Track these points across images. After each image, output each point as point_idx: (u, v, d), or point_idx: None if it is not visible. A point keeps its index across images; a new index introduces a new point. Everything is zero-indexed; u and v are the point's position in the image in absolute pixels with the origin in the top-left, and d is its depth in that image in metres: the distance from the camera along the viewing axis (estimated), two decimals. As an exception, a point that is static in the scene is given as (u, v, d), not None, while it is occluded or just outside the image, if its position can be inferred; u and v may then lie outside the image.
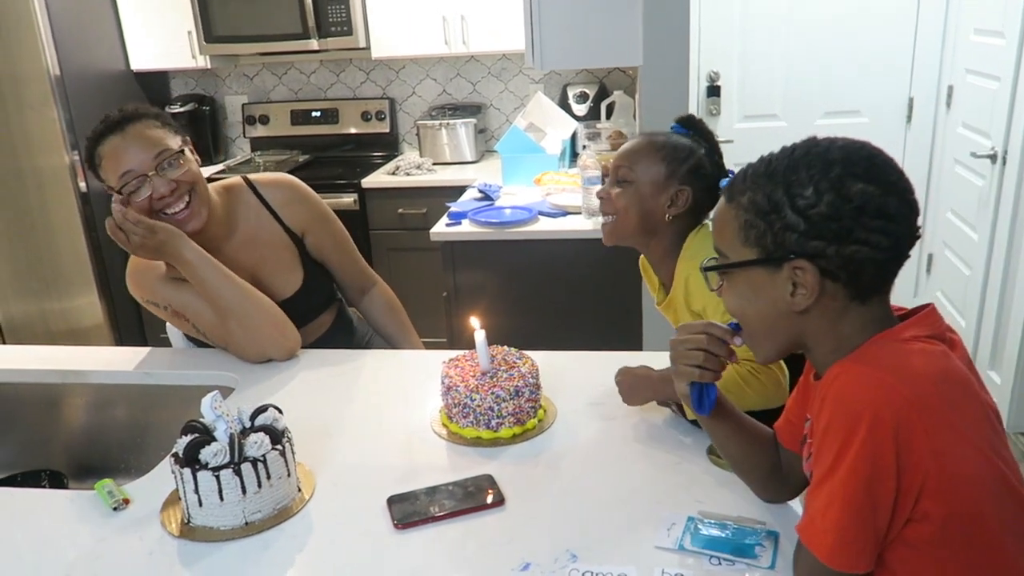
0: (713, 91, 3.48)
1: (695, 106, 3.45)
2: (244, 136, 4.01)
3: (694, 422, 1.22)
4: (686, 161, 1.40)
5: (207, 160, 3.84)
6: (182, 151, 1.54)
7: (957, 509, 0.83)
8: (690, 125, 1.45)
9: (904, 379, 0.82)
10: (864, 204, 0.85)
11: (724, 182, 1.42)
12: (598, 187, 1.48)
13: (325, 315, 1.80)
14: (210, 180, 1.69)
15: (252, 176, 1.75)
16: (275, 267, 1.70)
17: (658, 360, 1.47)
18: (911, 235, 0.88)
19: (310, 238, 1.75)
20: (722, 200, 0.96)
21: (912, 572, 0.86)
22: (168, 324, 1.81)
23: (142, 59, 3.66)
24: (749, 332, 0.97)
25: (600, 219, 1.50)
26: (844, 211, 0.85)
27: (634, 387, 1.34)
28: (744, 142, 3.50)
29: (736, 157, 3.98)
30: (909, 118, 3.48)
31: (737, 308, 0.96)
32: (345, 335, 1.85)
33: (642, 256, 1.56)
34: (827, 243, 0.86)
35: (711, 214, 1.36)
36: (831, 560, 0.83)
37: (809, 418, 0.99)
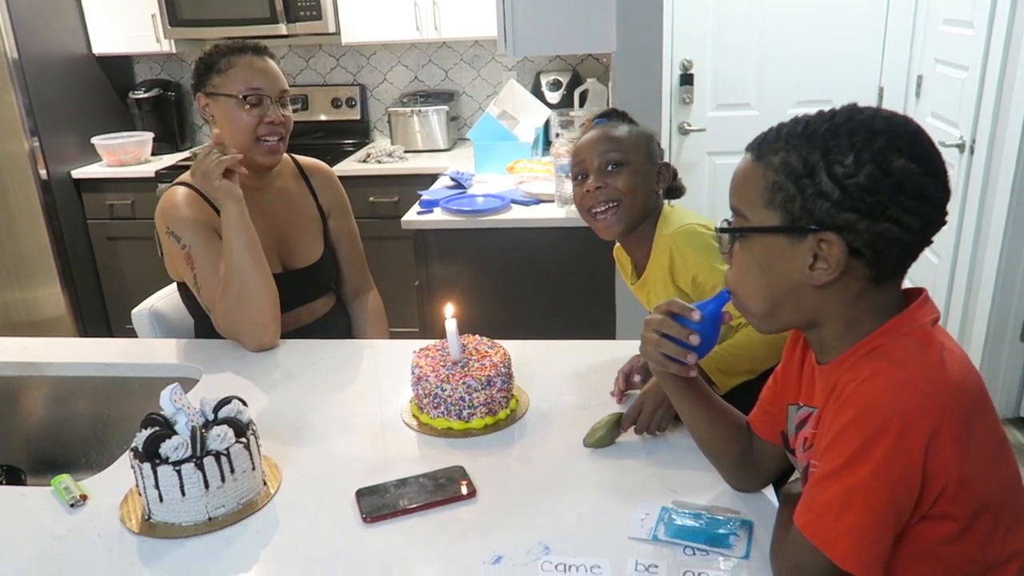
0: (686, 79, 3.47)
1: (668, 94, 3.44)
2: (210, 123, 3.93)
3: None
4: (654, 139, 1.46)
5: (173, 147, 3.76)
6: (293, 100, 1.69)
7: (972, 512, 0.83)
8: (617, 117, 1.48)
9: (938, 386, 0.81)
10: (903, 181, 0.81)
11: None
12: (588, 182, 1.42)
13: (330, 295, 1.90)
14: (176, 168, 1.70)
15: (294, 155, 1.89)
16: (303, 232, 1.82)
17: (630, 349, 1.47)
18: (940, 220, 0.85)
19: (333, 221, 1.89)
20: (747, 157, 0.90)
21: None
22: (134, 312, 1.82)
23: (104, 43, 3.56)
24: (752, 302, 0.92)
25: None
26: (882, 185, 0.81)
27: (659, 405, 1.23)
28: (717, 130, 3.50)
29: (709, 145, 4.00)
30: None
31: (744, 275, 0.91)
32: (345, 318, 1.94)
33: (617, 245, 1.55)
34: (859, 217, 0.82)
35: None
36: (846, 563, 0.81)
37: (801, 404, 0.98)
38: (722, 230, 0.93)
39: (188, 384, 1.47)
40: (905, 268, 0.88)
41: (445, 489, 1.13)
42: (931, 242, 0.86)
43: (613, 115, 1.48)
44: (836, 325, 0.89)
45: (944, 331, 0.90)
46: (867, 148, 0.82)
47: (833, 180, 0.82)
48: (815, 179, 0.83)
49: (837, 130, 0.84)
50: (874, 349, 0.86)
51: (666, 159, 1.47)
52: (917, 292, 0.90)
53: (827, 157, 0.83)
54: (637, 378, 1.35)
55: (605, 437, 1.22)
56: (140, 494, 1.08)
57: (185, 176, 1.71)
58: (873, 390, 0.81)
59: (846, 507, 0.81)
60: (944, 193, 0.84)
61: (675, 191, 1.51)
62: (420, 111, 3.55)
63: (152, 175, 3.39)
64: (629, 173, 1.40)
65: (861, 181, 0.81)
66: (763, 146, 0.89)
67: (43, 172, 3.27)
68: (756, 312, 0.93)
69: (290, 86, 1.74)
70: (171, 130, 3.78)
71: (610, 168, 1.40)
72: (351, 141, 3.79)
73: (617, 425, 1.23)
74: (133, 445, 1.08)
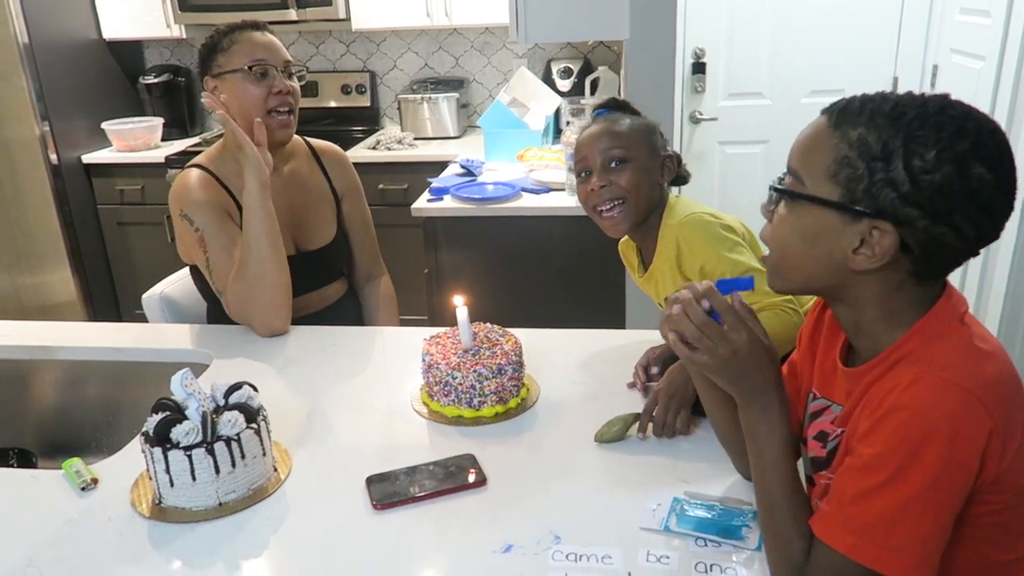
0: (698, 68, 3.44)
1: (680, 82, 3.41)
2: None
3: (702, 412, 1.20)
4: (656, 130, 1.43)
5: (183, 133, 3.76)
6: (301, 72, 1.73)
7: (1004, 503, 0.83)
8: (618, 107, 1.45)
9: (979, 382, 0.79)
10: (977, 190, 0.78)
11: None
12: (592, 180, 1.39)
13: (343, 281, 1.90)
14: (186, 153, 1.70)
15: (307, 138, 1.88)
16: (316, 213, 1.81)
17: (640, 337, 1.46)
18: (994, 236, 0.83)
19: (346, 204, 1.88)
20: (822, 121, 0.86)
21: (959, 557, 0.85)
22: (144, 297, 1.82)
23: (114, 27, 3.56)
24: (784, 266, 0.90)
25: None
26: (955, 189, 0.78)
27: (673, 395, 1.23)
28: (728, 120, 3.48)
29: (720, 135, 3.96)
30: (894, 98, 3.46)
31: (784, 239, 0.88)
32: (356, 306, 1.94)
33: (621, 241, 1.54)
34: (922, 215, 0.79)
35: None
36: None
37: (818, 395, 0.97)
38: (776, 190, 0.89)
39: (199, 369, 1.47)
40: (947, 272, 0.86)
41: (455, 477, 1.12)
42: (978, 254, 0.84)
43: (614, 105, 1.45)
44: (873, 311, 0.87)
45: (975, 320, 0.88)
46: (951, 147, 0.78)
47: (908, 171, 0.79)
48: (890, 164, 0.79)
49: (925, 120, 0.79)
50: (906, 356, 0.84)
51: (669, 149, 1.44)
52: (941, 285, 0.89)
53: (908, 146, 0.79)
54: (655, 370, 1.34)
55: (617, 435, 1.21)
56: (151, 478, 1.08)
57: (199, 158, 1.70)
58: (918, 395, 0.79)
59: (898, 521, 0.79)
60: (1008, 211, 0.82)
61: (680, 179, 1.48)
62: (430, 98, 3.54)
63: (162, 160, 3.38)
64: (632, 169, 1.37)
65: (936, 179, 0.78)
66: (843, 115, 0.84)
67: (53, 157, 3.27)
68: (786, 276, 0.91)
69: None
70: (181, 116, 3.78)
71: (613, 165, 1.37)
72: (361, 128, 3.77)
73: (631, 424, 1.22)
74: (144, 429, 1.08)
